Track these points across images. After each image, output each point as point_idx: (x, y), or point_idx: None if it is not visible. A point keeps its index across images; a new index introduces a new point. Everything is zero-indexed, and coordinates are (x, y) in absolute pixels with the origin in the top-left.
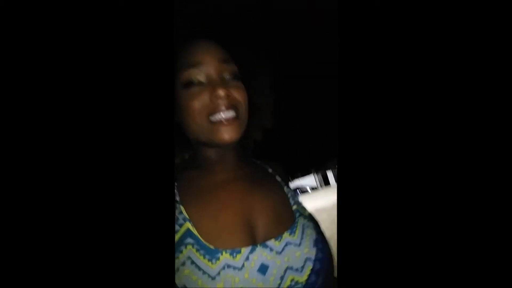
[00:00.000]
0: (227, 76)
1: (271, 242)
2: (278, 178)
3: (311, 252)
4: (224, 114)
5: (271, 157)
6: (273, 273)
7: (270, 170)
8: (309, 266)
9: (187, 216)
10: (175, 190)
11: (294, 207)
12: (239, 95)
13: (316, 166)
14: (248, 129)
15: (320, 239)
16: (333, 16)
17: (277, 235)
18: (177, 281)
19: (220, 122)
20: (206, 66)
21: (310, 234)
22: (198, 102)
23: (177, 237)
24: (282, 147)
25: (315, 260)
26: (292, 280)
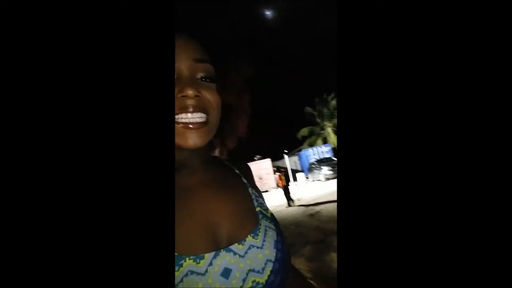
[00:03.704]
0: (200, 76)
1: (235, 246)
2: (244, 180)
3: (272, 254)
4: (191, 117)
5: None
6: (236, 276)
7: (236, 171)
8: (269, 267)
9: None
10: None
11: (258, 208)
12: (211, 97)
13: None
14: (221, 134)
15: (280, 239)
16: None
17: (241, 239)
18: None
19: (185, 125)
20: (178, 64)
21: (272, 235)
22: None
23: None
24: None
25: (275, 261)
26: (253, 281)
